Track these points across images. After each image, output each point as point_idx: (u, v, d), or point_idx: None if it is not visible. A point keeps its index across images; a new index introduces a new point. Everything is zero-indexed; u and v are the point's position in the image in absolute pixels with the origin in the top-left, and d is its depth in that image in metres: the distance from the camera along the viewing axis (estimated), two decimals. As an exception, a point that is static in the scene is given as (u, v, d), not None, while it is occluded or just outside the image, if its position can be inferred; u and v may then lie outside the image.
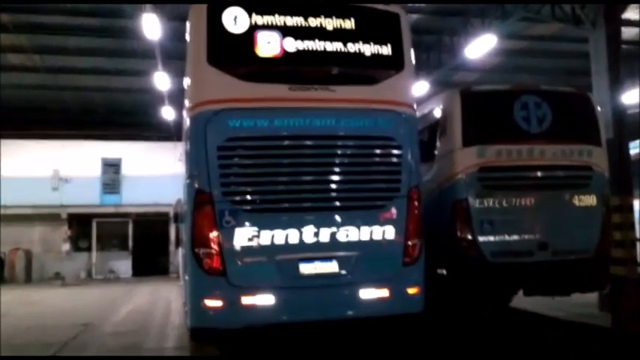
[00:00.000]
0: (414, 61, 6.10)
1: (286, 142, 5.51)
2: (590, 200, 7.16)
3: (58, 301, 13.50)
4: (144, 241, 22.60)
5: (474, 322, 7.83)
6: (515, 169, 7.11)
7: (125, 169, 23.66)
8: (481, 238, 6.89)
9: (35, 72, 18.00)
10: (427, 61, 16.28)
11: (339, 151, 5.65)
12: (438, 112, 7.69)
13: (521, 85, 8.54)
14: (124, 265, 22.25)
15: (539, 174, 7.17)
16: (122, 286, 17.84)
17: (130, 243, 22.87)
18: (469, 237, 6.91)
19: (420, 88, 15.92)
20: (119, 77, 19.11)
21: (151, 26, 12.41)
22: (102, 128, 22.64)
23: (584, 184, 7.17)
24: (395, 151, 5.77)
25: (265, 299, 5.31)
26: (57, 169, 22.29)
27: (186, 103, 5.67)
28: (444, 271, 7.48)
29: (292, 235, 5.40)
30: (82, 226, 22.60)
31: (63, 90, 20.08)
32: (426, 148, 7.82)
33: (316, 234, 5.44)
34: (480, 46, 13.95)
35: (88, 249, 22.49)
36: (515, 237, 7.00)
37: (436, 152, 7.54)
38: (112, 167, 24.05)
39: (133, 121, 22.04)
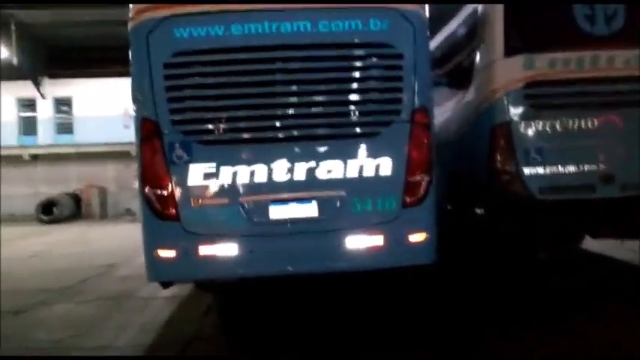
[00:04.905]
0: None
1: (248, 55, 4.33)
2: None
3: (108, 239, 13.38)
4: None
5: (519, 269, 6.58)
6: (574, 82, 5.54)
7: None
8: (526, 170, 5.52)
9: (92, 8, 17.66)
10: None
11: (317, 65, 4.39)
12: (474, 17, 6.19)
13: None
14: (193, 201, 22.21)
15: (605, 88, 5.55)
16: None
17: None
18: (511, 169, 5.56)
19: None
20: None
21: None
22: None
23: (666, 99, 5.50)
24: (393, 62, 4.46)
25: (228, 249, 4.37)
26: (127, 107, 22.30)
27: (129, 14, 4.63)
28: (482, 211, 6.24)
29: (260, 172, 4.36)
30: (153, 163, 22.65)
31: (121, 25, 19.70)
32: (460, 68, 6.50)
33: (290, 170, 4.37)
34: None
35: (160, 185, 22.57)
36: (571, 169, 5.55)
37: (473, 70, 6.11)
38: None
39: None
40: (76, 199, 21.10)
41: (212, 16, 4.31)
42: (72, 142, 22.38)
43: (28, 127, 23.08)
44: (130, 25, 4.44)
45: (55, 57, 21.83)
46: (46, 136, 22.91)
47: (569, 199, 5.58)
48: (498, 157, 5.62)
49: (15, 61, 17.99)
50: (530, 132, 5.54)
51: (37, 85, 21.90)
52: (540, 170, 5.54)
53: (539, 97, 5.56)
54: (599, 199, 5.55)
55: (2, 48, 17.23)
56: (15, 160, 21.49)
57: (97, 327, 5.15)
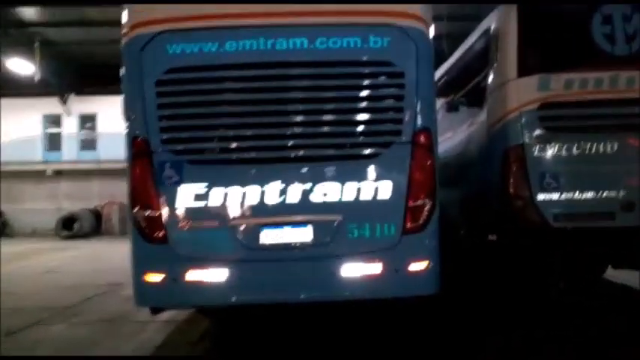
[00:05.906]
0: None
1: (242, 73, 4.18)
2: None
3: (123, 256, 13.22)
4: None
5: (536, 300, 6.23)
6: (592, 104, 5.27)
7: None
8: (540, 196, 5.24)
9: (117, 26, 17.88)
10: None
11: (313, 83, 4.20)
12: (487, 36, 5.95)
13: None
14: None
15: (625, 111, 5.25)
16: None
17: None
18: (525, 194, 5.29)
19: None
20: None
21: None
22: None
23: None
24: (394, 81, 4.25)
25: (217, 275, 4.17)
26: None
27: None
28: (495, 238, 5.94)
29: (252, 194, 4.17)
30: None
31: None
32: (473, 88, 6.28)
33: (284, 192, 4.17)
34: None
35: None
36: (588, 195, 5.26)
37: (486, 90, 5.87)
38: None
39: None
40: (97, 214, 21.24)
41: (206, 32, 4.17)
42: (95, 158, 22.60)
43: (53, 143, 23.39)
44: (122, 41, 4.31)
45: (81, 74, 22.16)
46: (70, 152, 23.18)
47: (586, 227, 5.27)
48: (511, 182, 5.37)
49: (37, 77, 18.19)
50: (545, 155, 5.29)
51: (64, 101, 22.22)
52: (555, 196, 5.26)
53: (555, 119, 5.32)
54: (618, 228, 5.24)
55: (26, 64, 17.48)
56: (39, 175, 21.80)
57: (84, 352, 4.96)
